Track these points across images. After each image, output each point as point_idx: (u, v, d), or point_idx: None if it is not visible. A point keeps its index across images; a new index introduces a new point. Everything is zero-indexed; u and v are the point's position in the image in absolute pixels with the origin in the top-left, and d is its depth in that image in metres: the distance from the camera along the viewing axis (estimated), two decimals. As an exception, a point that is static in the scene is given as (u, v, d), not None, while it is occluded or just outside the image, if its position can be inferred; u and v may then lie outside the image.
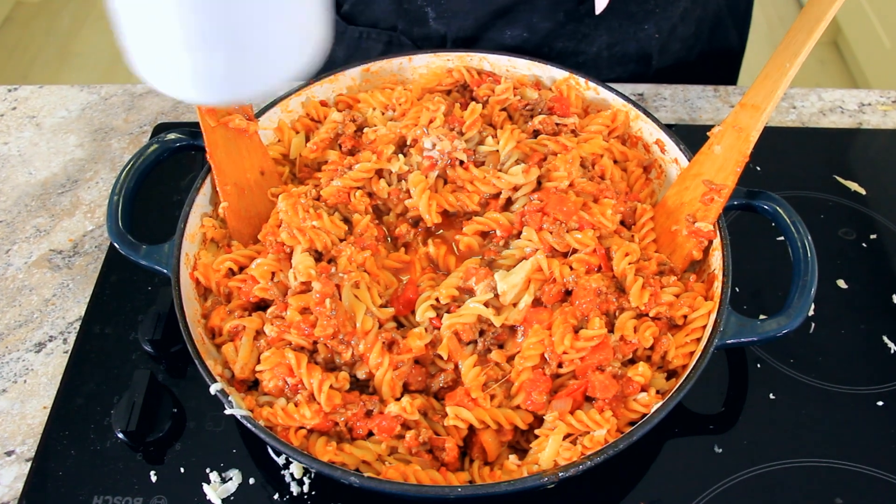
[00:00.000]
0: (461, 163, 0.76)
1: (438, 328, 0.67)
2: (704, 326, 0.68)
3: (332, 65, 1.08)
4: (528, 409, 0.65)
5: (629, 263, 0.70)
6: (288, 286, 0.69)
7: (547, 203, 0.72)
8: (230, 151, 0.75)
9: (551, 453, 0.62)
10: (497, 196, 0.76)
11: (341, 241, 0.72)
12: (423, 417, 0.65)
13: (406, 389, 0.67)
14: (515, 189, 0.76)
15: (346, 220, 0.75)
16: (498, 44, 1.01)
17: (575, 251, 0.71)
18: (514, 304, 0.68)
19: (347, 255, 0.69)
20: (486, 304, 0.68)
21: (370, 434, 0.64)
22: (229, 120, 0.74)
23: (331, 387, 0.63)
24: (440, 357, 0.67)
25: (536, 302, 0.69)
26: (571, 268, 0.69)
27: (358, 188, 0.76)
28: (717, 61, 1.14)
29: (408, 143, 0.79)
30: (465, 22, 0.99)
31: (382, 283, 0.71)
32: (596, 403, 0.64)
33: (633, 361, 0.68)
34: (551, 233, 0.71)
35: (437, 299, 0.69)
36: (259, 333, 0.68)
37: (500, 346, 0.68)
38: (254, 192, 0.77)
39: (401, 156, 0.77)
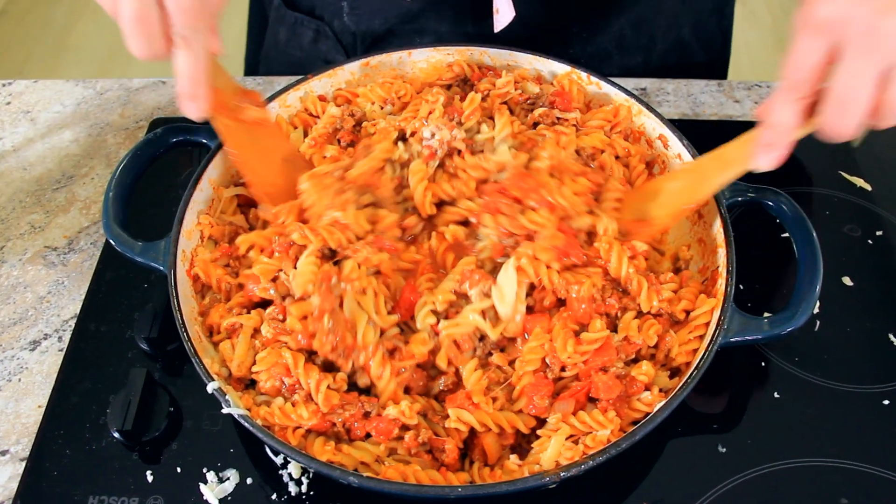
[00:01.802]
0: (459, 152, 0.75)
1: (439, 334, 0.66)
2: (707, 324, 0.67)
3: (275, 44, 1.06)
4: (530, 413, 0.64)
5: (633, 268, 0.68)
6: (289, 289, 0.67)
7: (506, 182, 0.69)
8: (256, 147, 0.71)
9: (553, 453, 0.61)
10: (486, 182, 0.74)
11: (359, 239, 0.68)
12: (422, 419, 0.64)
13: (406, 391, 0.66)
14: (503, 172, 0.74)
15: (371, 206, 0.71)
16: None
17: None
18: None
19: (361, 259, 0.65)
20: (483, 313, 0.66)
21: (368, 436, 0.63)
22: (242, 112, 0.69)
23: (328, 387, 0.62)
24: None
25: (531, 307, 0.67)
26: (549, 267, 0.67)
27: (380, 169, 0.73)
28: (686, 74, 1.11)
29: (407, 134, 0.77)
30: (374, 21, 1.00)
31: (393, 286, 0.68)
32: (599, 404, 0.64)
33: (635, 360, 0.67)
34: (506, 215, 0.68)
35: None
36: (256, 332, 0.67)
37: (502, 350, 0.67)
38: (285, 180, 0.73)
39: (401, 143, 0.76)
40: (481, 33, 0.97)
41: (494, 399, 0.64)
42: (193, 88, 0.61)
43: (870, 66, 0.54)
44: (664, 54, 1.05)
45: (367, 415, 0.63)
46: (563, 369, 0.65)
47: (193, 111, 0.63)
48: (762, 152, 0.62)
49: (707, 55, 1.10)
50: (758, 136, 0.63)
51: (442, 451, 0.63)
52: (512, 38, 0.96)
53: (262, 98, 0.73)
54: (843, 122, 0.57)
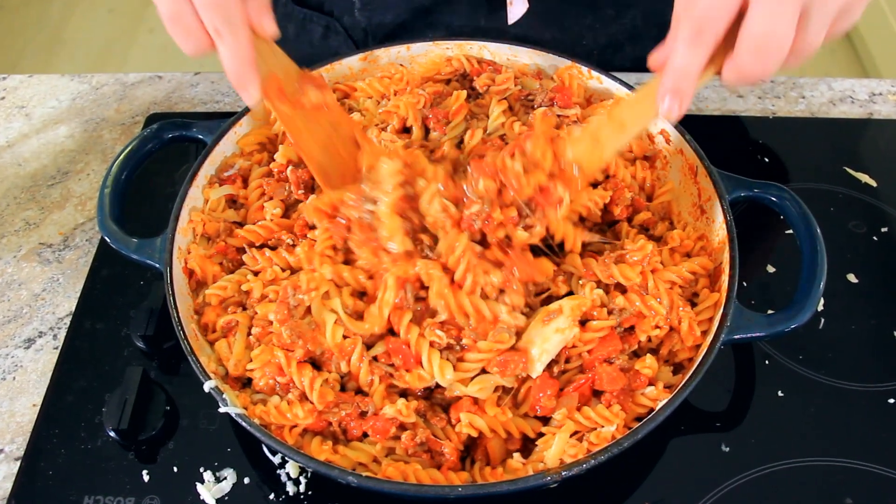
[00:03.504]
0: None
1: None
2: (711, 319, 0.66)
3: (284, 41, 1.07)
4: (536, 414, 0.63)
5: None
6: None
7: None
8: (314, 133, 0.69)
9: (557, 451, 0.60)
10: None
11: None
12: (421, 419, 0.63)
13: (405, 394, 0.65)
14: None
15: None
16: None
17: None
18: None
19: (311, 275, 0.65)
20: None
21: (365, 435, 0.62)
22: (302, 97, 0.67)
23: (322, 385, 0.62)
24: None
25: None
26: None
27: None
28: None
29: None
30: (386, 17, 0.99)
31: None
32: (604, 397, 0.63)
33: (637, 356, 0.66)
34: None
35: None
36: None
37: None
38: (346, 160, 0.70)
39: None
40: (494, 26, 0.96)
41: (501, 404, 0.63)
42: (239, 78, 0.62)
43: (790, 5, 0.50)
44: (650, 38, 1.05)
45: (363, 414, 0.62)
46: (567, 360, 0.64)
47: (246, 98, 0.64)
48: (669, 99, 0.56)
49: None
50: (662, 83, 0.56)
51: (441, 454, 0.62)
52: (525, 31, 0.95)
53: (324, 81, 0.71)
54: (762, 65, 0.52)
